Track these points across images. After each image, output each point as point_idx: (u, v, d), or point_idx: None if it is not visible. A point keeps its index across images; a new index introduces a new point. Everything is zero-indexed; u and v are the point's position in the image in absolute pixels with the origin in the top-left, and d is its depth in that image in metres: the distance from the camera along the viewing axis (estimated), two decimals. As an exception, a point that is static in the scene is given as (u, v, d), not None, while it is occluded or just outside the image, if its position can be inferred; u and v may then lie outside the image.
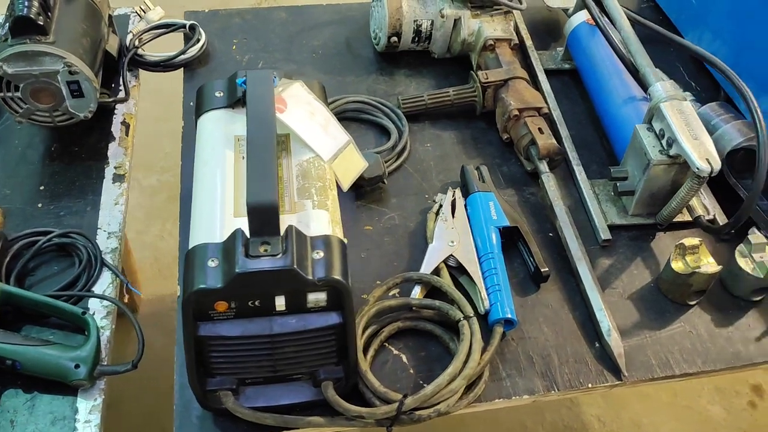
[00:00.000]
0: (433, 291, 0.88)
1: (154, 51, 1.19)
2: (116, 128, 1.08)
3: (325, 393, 0.74)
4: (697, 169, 0.87)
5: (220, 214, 0.70)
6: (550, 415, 1.67)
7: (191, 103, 1.03)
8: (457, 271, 0.90)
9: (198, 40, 1.19)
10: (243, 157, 0.75)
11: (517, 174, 1.07)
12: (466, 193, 0.99)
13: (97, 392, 0.79)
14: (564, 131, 1.11)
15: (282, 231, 0.67)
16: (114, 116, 1.09)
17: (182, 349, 0.70)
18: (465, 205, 0.98)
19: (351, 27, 1.28)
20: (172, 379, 0.80)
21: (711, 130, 1.03)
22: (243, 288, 0.65)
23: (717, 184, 1.03)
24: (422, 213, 0.99)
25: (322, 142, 0.78)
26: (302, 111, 0.80)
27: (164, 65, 1.17)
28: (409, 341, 0.85)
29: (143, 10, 1.23)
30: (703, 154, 0.87)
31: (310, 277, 0.65)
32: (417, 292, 0.87)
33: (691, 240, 0.89)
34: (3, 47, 0.92)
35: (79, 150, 1.04)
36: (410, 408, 0.75)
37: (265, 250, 0.65)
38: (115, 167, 1.02)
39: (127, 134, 1.07)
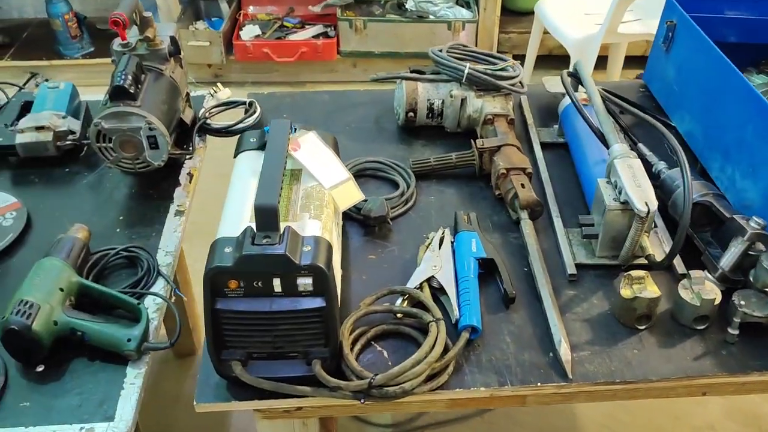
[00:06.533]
0: (417, 305, 1.07)
1: (222, 121, 1.48)
2: (183, 177, 1.35)
3: (314, 368, 0.93)
4: (638, 209, 1.04)
5: (239, 218, 0.93)
6: None
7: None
8: (439, 291, 1.09)
9: (253, 113, 1.48)
10: (264, 184, 0.99)
11: (505, 223, 1.26)
12: (455, 233, 1.19)
13: (143, 364, 1.01)
14: (549, 189, 1.30)
15: (281, 230, 0.89)
16: (182, 168, 1.38)
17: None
18: (453, 242, 1.17)
19: (380, 107, 1.54)
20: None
21: (673, 189, 1.20)
22: (248, 268, 0.87)
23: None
24: (418, 247, 1.19)
25: (324, 174, 1.02)
26: (312, 152, 1.04)
27: (225, 131, 1.46)
28: (392, 342, 1.03)
29: (215, 91, 1.55)
30: (643, 198, 1.05)
31: (298, 263, 0.86)
32: (399, 302, 1.06)
33: (637, 272, 1.05)
34: (102, 109, 1.22)
35: (152, 192, 1.32)
36: (380, 384, 0.92)
37: (266, 241, 0.87)
38: (178, 206, 1.29)
39: (190, 182, 1.35)
